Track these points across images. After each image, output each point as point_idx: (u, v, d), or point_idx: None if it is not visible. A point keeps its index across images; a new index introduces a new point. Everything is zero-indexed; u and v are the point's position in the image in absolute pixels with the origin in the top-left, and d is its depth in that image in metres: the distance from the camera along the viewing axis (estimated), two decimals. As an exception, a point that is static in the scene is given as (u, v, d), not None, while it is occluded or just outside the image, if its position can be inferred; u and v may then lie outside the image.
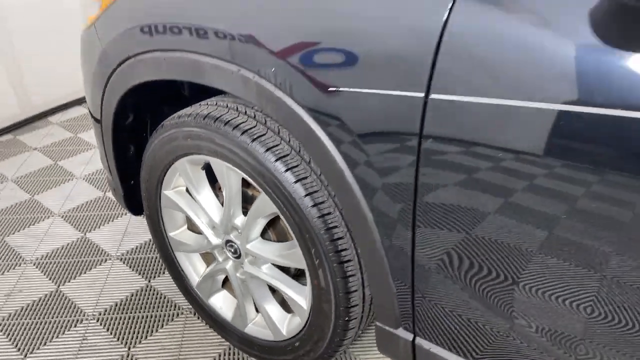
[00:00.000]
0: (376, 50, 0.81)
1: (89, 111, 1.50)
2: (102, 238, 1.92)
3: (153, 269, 1.75)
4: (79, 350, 1.47)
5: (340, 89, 0.86)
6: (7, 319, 1.58)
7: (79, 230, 1.96)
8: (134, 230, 1.94)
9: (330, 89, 0.88)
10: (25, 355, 1.46)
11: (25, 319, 1.57)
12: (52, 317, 1.58)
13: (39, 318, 1.58)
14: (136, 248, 1.86)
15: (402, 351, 1.06)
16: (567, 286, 0.77)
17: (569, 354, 0.83)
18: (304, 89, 0.91)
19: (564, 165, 0.69)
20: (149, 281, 1.71)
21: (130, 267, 1.77)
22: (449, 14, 0.73)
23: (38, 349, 1.48)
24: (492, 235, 0.81)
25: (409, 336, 1.03)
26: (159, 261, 1.77)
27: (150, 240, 1.88)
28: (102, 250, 1.85)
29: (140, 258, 1.81)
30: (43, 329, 1.54)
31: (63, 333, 1.53)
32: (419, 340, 1.03)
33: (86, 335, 1.52)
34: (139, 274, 1.74)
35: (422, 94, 0.78)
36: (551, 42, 0.67)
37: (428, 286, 0.95)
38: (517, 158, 0.72)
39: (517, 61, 0.69)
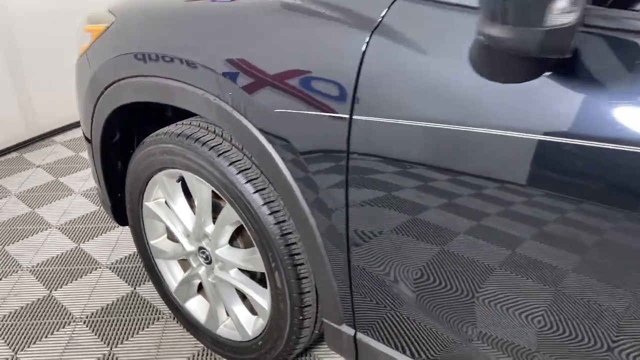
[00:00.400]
0: (310, 79, 0.95)
1: (82, 132, 1.65)
2: (94, 248, 2.06)
3: (138, 278, 1.88)
4: (65, 348, 1.60)
5: (283, 110, 1.01)
6: (2, 320, 1.71)
7: (74, 241, 2.10)
8: (124, 242, 2.08)
9: (276, 110, 1.02)
10: (16, 352, 1.59)
11: (18, 320, 1.71)
12: (43, 319, 1.71)
13: (31, 320, 1.71)
14: (125, 258, 1.99)
15: (346, 346, 1.18)
16: (483, 285, 0.89)
17: (492, 348, 0.95)
18: (255, 111, 1.06)
19: (458, 174, 0.82)
20: (134, 288, 1.84)
21: (118, 275, 1.91)
22: (364, 54, 0.88)
23: (28, 347, 1.60)
24: (414, 240, 0.94)
25: (351, 332, 1.15)
26: (144, 270, 1.90)
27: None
28: (94, 260, 1.99)
29: (128, 267, 1.94)
30: (34, 329, 1.67)
31: (52, 333, 1.65)
32: (359, 335, 1.15)
33: (73, 335, 1.64)
34: (126, 281, 1.87)
35: (347, 115, 0.92)
36: (443, 74, 0.81)
37: (364, 286, 1.07)
38: (425, 170, 0.85)
39: (417, 90, 0.83)
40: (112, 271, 1.93)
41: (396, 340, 1.09)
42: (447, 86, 0.80)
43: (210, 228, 1.38)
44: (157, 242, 1.58)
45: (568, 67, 0.70)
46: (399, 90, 0.85)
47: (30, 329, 1.67)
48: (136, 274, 1.90)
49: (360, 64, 0.88)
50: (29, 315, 1.72)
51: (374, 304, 1.08)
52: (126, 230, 2.13)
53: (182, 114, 1.42)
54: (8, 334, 1.65)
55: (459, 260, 0.90)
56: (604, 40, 0.69)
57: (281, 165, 1.07)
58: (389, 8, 0.86)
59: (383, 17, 0.87)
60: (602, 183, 0.70)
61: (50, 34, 2.92)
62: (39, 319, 1.71)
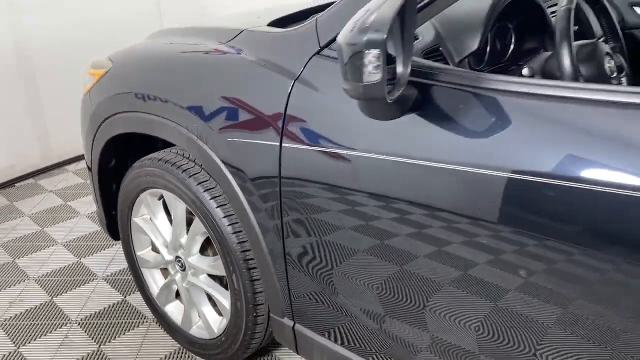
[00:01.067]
0: (252, 114, 1.23)
1: (85, 162, 1.93)
2: (93, 262, 2.32)
3: (129, 288, 2.13)
4: (61, 345, 1.84)
5: (235, 140, 1.27)
6: (8, 320, 1.96)
7: (76, 256, 2.37)
8: (119, 258, 2.34)
9: (228, 139, 1.29)
10: (18, 347, 1.83)
11: (22, 321, 1.96)
12: (44, 320, 1.96)
13: (33, 320, 1.96)
14: (119, 271, 2.25)
15: (287, 336, 1.41)
16: (391, 281, 1.12)
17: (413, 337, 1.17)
18: (214, 140, 1.33)
19: (354, 191, 1.07)
20: (125, 297, 2.09)
21: (112, 285, 2.16)
22: (289, 95, 1.15)
23: (29, 343, 1.85)
24: (335, 248, 1.18)
25: (290, 323, 1.39)
26: (134, 282, 2.15)
27: (131, 266, 2.26)
28: (92, 272, 2.25)
29: (121, 279, 2.19)
30: (35, 328, 1.92)
31: (50, 332, 1.90)
32: (297, 326, 1.38)
33: (68, 334, 1.89)
34: (118, 291, 2.12)
35: (278, 143, 1.18)
36: (342, 111, 1.07)
37: (298, 285, 1.31)
38: (334, 188, 1.11)
39: (324, 123, 1.10)
40: (107, 282, 2.18)
41: (327, 329, 1.32)
42: (345, 120, 1.06)
43: (184, 239, 1.64)
44: (143, 253, 1.84)
45: (421, 109, 0.96)
46: (313, 122, 1.12)
47: (32, 328, 1.92)
48: (127, 285, 2.15)
49: (287, 102, 1.15)
50: (32, 317, 1.98)
51: (307, 300, 1.32)
52: (121, 248, 2.39)
53: (169, 144, 1.70)
54: (12, 331, 1.90)
55: (370, 261, 1.13)
56: (443, 91, 0.95)
57: (235, 185, 1.33)
58: (305, 65, 1.14)
59: (302, 71, 1.14)
60: (445, 194, 0.95)
61: (66, 72, 3.25)
62: (40, 320, 1.96)
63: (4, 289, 2.16)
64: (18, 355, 1.80)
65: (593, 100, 0.82)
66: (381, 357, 1.22)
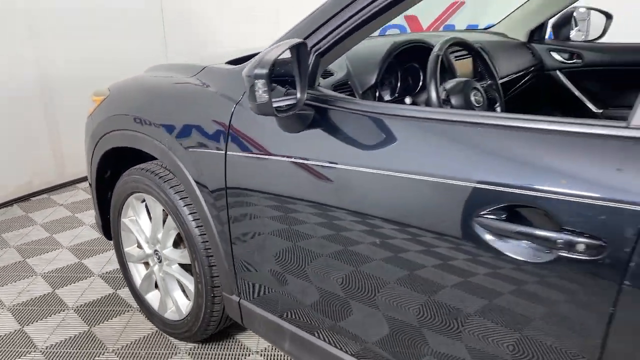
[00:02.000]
0: (206, 128, 1.60)
1: (88, 180, 2.31)
2: (92, 263, 2.68)
3: (120, 284, 2.49)
4: (58, 326, 2.18)
5: (194, 150, 1.64)
6: (16, 306, 2.32)
7: (78, 258, 2.74)
8: (115, 259, 2.69)
9: (190, 150, 1.66)
10: (23, 326, 2.18)
11: (28, 307, 2.31)
12: (45, 307, 2.31)
13: (36, 307, 2.31)
14: (113, 270, 2.60)
15: (234, 310, 1.74)
16: (310, 266, 1.47)
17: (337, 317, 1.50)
18: (179, 151, 1.70)
19: (279, 192, 1.42)
20: (116, 290, 2.44)
21: (105, 281, 2.51)
22: (232, 114, 1.52)
23: (32, 324, 2.20)
24: (270, 240, 1.52)
25: (237, 299, 1.72)
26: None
27: (124, 266, 2.61)
28: (90, 270, 2.61)
29: (114, 277, 2.55)
30: (38, 313, 2.27)
31: (50, 316, 2.25)
32: (242, 301, 1.71)
33: (65, 318, 2.24)
34: (110, 286, 2.48)
35: (223, 151, 1.55)
36: (266, 125, 1.43)
37: (241, 267, 1.65)
38: (265, 190, 1.45)
39: (256, 134, 1.46)
40: (102, 279, 2.54)
41: (265, 303, 1.65)
42: (269, 132, 1.42)
43: (161, 235, 1.99)
44: (130, 249, 2.19)
45: (320, 124, 1.32)
46: (245, 135, 1.48)
47: (35, 313, 2.27)
48: (119, 281, 2.51)
49: (230, 120, 1.52)
50: (36, 304, 2.33)
51: (248, 279, 1.65)
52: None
53: (153, 157, 2.06)
54: (19, 315, 2.26)
55: (291, 247, 1.47)
56: (335, 112, 1.31)
57: (195, 187, 1.69)
58: (243, 93, 1.51)
59: (241, 97, 1.52)
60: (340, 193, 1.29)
61: (81, 102, 3.69)
62: (43, 307, 2.31)
63: (15, 281, 2.53)
64: (22, 333, 2.15)
65: (428, 118, 1.17)
66: (309, 324, 1.54)
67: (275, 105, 1.23)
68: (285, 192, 1.41)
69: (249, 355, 2.01)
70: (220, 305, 1.87)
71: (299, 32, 1.35)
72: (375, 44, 1.75)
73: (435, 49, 1.57)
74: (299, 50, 1.25)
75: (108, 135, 2.03)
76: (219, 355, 2.01)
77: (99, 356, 2.01)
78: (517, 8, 2.44)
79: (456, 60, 1.84)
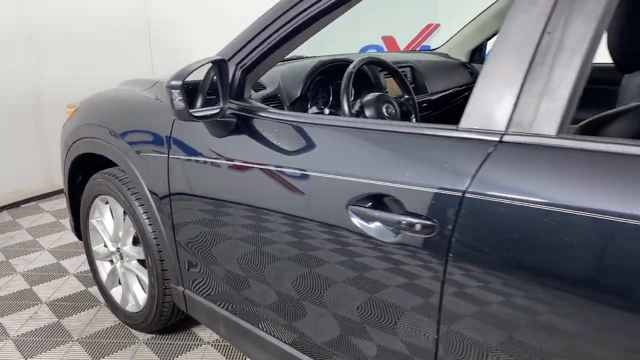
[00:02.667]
0: (152, 135, 1.81)
1: (63, 187, 2.52)
2: (69, 264, 2.89)
3: (92, 282, 2.68)
4: (30, 318, 2.38)
5: (144, 154, 1.85)
6: (3, 300, 2.53)
7: (56, 258, 2.95)
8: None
9: (141, 154, 1.87)
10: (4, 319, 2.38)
11: (5, 301, 2.51)
12: (21, 301, 2.51)
13: (12, 301, 2.51)
14: (87, 270, 2.80)
15: (180, 299, 1.93)
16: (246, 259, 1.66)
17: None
18: (133, 155, 1.91)
19: (212, 190, 1.62)
20: (87, 288, 2.64)
21: (79, 280, 2.72)
22: (173, 122, 1.73)
23: (7, 315, 2.40)
24: (209, 238, 1.71)
25: (182, 289, 1.91)
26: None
27: (97, 266, 2.81)
28: (66, 270, 2.82)
29: (88, 276, 2.75)
30: (13, 307, 2.47)
31: (24, 310, 2.45)
32: (186, 291, 1.90)
33: (38, 311, 2.44)
34: (83, 284, 2.68)
35: (166, 155, 1.75)
36: (201, 131, 1.64)
37: (185, 261, 1.84)
38: (201, 188, 1.65)
39: (192, 138, 1.66)
40: (76, 277, 2.74)
41: (206, 292, 1.83)
42: (199, 137, 1.63)
43: (122, 233, 2.20)
44: (97, 248, 2.39)
45: (243, 130, 1.52)
46: (183, 139, 1.69)
47: (10, 307, 2.48)
48: (91, 280, 2.71)
49: (172, 127, 1.73)
50: (12, 298, 2.53)
51: (191, 271, 1.84)
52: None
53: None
54: (5, 311, 2.47)
55: (225, 241, 1.66)
56: (258, 120, 1.51)
57: (145, 187, 1.89)
58: (182, 102, 1.72)
59: (181, 106, 1.73)
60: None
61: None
62: (19, 301, 2.51)
63: (-4, 279, 2.74)
64: (-3, 324, 2.35)
65: (323, 124, 1.37)
66: (242, 310, 1.72)
67: (201, 113, 1.44)
68: (215, 191, 1.61)
69: (201, 345, 2.19)
70: (170, 296, 2.06)
71: (226, 50, 1.57)
72: (310, 63, 1.97)
73: (350, 67, 1.77)
74: (219, 66, 1.46)
75: (77, 142, 2.25)
76: (173, 345, 2.19)
77: (64, 344, 2.20)
78: (459, 31, 2.65)
79: (386, 77, 2.04)
